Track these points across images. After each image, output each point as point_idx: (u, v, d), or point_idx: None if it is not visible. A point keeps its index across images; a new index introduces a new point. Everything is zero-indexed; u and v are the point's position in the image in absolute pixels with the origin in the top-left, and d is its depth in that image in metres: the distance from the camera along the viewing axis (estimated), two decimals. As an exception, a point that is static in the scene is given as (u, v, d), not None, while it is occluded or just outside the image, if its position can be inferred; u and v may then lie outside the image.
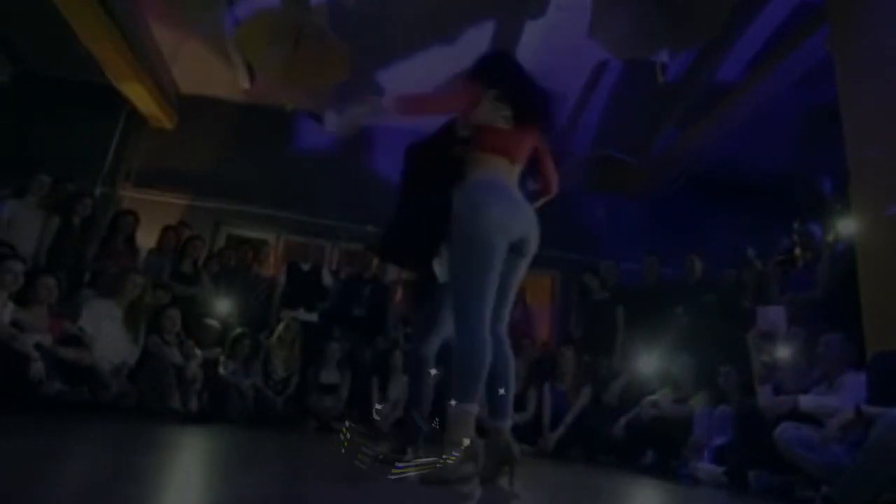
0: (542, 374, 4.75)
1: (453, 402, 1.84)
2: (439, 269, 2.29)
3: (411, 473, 1.81)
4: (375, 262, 5.26)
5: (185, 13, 5.28)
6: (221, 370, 4.36)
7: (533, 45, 5.13)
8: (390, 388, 4.73)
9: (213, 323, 4.57)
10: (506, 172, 2.05)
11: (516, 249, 2.03)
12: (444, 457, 1.77)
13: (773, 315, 3.49)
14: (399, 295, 5.24)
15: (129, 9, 5.11)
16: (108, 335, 3.75)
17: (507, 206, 1.97)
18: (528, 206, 2.08)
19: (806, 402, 2.64)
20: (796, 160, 6.11)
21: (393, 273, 5.23)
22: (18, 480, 1.23)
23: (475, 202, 1.94)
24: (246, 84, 6.06)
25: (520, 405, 4.41)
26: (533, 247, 2.09)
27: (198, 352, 4.17)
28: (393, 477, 1.78)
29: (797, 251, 4.08)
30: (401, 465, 1.89)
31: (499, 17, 5.00)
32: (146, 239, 5.11)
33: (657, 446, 3.81)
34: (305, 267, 5.26)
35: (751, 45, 4.93)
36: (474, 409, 1.85)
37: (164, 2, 5.22)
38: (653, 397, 3.99)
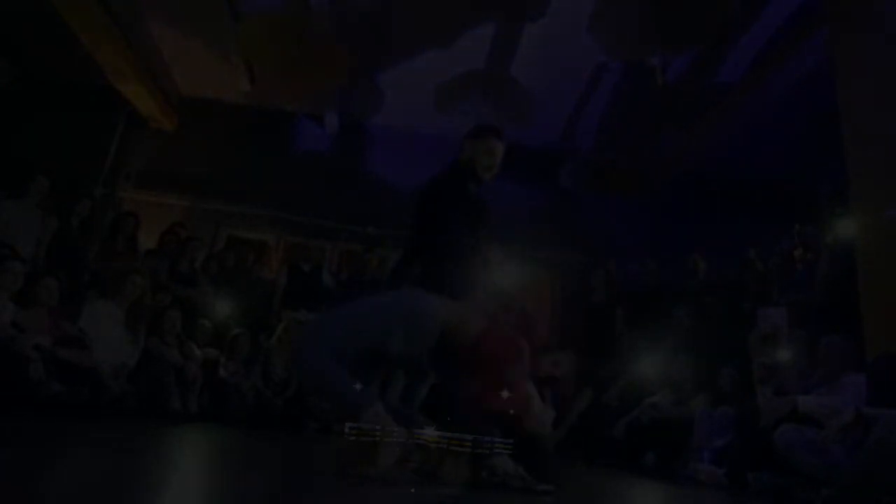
0: (542, 375, 4.74)
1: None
2: None
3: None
4: (375, 262, 5.25)
5: (185, 15, 5.28)
6: (222, 371, 4.36)
7: (533, 45, 5.14)
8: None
9: (205, 322, 4.57)
10: None
11: None
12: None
13: (774, 316, 3.48)
14: None
15: (130, 10, 5.11)
16: (108, 336, 3.75)
17: None
18: None
19: (805, 403, 2.63)
20: (796, 161, 6.10)
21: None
22: (18, 481, 1.23)
23: None
24: (246, 85, 6.06)
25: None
26: None
27: (198, 352, 4.17)
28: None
29: (797, 252, 4.08)
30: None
31: (499, 19, 5.00)
32: (146, 240, 5.11)
33: (657, 448, 3.80)
34: (306, 268, 5.26)
35: (751, 46, 4.93)
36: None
37: (165, 3, 5.22)
38: (653, 399, 3.98)
